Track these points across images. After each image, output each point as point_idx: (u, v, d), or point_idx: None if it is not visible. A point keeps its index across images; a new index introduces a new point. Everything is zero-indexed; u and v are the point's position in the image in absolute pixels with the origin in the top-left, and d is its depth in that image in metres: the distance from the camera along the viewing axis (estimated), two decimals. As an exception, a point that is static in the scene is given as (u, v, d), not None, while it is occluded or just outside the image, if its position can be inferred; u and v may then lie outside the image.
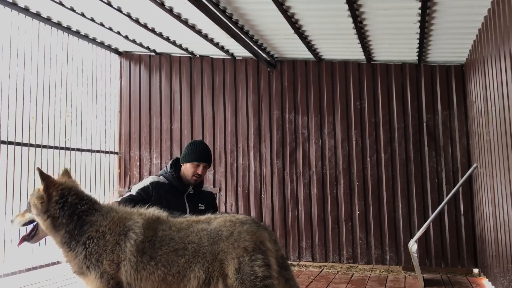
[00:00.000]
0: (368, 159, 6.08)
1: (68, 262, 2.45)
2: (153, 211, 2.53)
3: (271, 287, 2.30)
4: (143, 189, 3.32)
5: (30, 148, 5.62)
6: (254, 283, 2.27)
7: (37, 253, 5.67)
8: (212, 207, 3.60)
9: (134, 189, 3.32)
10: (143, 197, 3.30)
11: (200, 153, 3.44)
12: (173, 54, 6.91)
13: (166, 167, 3.53)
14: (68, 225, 2.40)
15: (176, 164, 3.50)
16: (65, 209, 2.41)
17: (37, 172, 2.46)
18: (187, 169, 3.44)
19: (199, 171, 3.43)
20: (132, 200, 3.13)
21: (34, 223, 2.53)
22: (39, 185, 2.46)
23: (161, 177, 3.44)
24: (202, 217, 2.50)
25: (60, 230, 2.40)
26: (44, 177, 2.46)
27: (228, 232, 2.37)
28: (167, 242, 2.38)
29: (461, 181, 5.42)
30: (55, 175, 2.57)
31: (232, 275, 2.29)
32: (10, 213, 5.47)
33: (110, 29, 5.93)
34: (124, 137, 7.07)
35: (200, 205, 3.57)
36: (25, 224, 2.54)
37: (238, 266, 2.30)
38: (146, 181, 3.40)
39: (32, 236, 2.55)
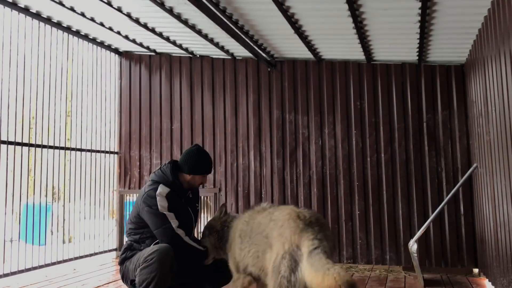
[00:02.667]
0: (368, 159, 6.08)
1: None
2: (263, 205, 3.14)
3: (282, 287, 2.47)
4: (171, 206, 3.32)
5: (30, 148, 5.63)
6: (277, 275, 2.51)
7: (37, 253, 5.67)
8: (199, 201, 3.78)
9: (164, 210, 3.28)
10: (177, 212, 3.36)
11: (209, 164, 3.56)
12: (173, 54, 6.91)
13: (165, 175, 3.44)
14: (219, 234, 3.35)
15: (175, 170, 3.48)
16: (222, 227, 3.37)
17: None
18: (195, 179, 3.50)
19: (206, 180, 3.61)
20: (184, 222, 3.36)
21: None
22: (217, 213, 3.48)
23: (164, 186, 3.38)
24: (281, 206, 2.94)
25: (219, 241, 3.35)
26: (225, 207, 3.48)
27: (281, 223, 2.65)
28: (258, 226, 2.90)
29: (461, 181, 5.41)
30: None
31: (272, 261, 2.58)
32: (10, 213, 5.47)
33: (110, 29, 5.93)
34: (124, 137, 7.08)
35: (196, 205, 3.68)
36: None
37: (276, 255, 2.56)
38: (162, 193, 3.33)
39: None
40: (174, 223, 3.26)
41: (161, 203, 3.27)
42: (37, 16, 5.59)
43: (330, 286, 2.17)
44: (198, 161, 3.47)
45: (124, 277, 3.44)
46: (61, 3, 5.10)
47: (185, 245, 3.26)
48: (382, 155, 6.04)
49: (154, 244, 3.30)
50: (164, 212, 3.26)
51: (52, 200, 7.84)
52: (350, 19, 4.61)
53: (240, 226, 3.09)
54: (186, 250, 3.26)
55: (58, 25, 5.96)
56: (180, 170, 3.48)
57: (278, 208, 2.92)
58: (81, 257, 6.34)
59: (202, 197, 6.71)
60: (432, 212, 5.55)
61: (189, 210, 3.52)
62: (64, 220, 6.70)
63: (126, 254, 3.42)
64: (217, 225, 3.36)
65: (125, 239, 3.64)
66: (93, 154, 6.76)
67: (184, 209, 3.47)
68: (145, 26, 5.55)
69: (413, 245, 5.13)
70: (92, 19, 5.60)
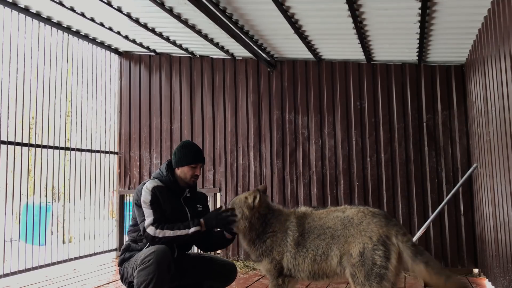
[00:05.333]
0: (368, 159, 6.08)
1: (249, 252, 3.22)
2: (302, 208, 3.19)
3: (383, 276, 2.71)
4: (154, 200, 3.24)
5: (30, 148, 5.63)
6: (371, 268, 2.73)
7: (37, 253, 5.67)
8: (207, 207, 3.64)
9: (144, 205, 3.21)
10: (161, 207, 3.28)
11: (196, 154, 3.44)
12: (173, 54, 6.92)
13: (161, 171, 3.42)
14: (257, 230, 3.13)
15: (170, 167, 3.44)
16: (260, 217, 3.15)
17: (257, 194, 3.14)
18: (184, 172, 3.41)
19: (197, 171, 3.45)
20: (163, 217, 3.22)
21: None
22: (250, 200, 3.15)
23: (157, 180, 3.35)
24: (339, 207, 3.06)
25: (252, 231, 3.14)
26: (260, 198, 3.16)
27: (358, 221, 2.87)
28: (312, 231, 3.01)
29: (461, 181, 5.41)
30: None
31: (356, 256, 2.79)
32: (10, 213, 5.47)
33: (110, 29, 5.93)
34: (124, 137, 7.08)
35: (198, 206, 3.57)
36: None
37: (362, 250, 2.78)
38: (148, 187, 3.27)
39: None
40: (149, 219, 3.18)
41: (144, 197, 3.23)
42: (37, 16, 5.59)
43: None
44: (182, 152, 3.41)
45: (123, 278, 3.41)
46: (61, 3, 5.10)
47: (159, 240, 3.18)
48: (382, 155, 6.04)
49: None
50: (143, 207, 3.21)
51: (52, 200, 7.84)
52: (350, 19, 4.61)
53: (292, 234, 3.07)
54: (165, 243, 3.19)
55: (58, 25, 5.96)
56: (172, 167, 3.46)
57: (334, 210, 3.07)
58: (81, 257, 6.34)
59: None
60: (432, 212, 5.55)
61: (184, 209, 3.43)
62: (64, 220, 6.70)
63: (124, 255, 3.40)
64: (251, 213, 3.13)
65: (125, 238, 3.59)
66: (93, 154, 6.76)
67: (176, 206, 3.39)
68: (145, 26, 5.55)
69: (413, 245, 5.12)
70: (92, 19, 5.60)
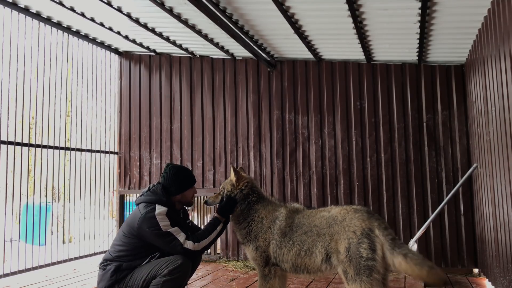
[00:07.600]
0: (368, 159, 6.08)
1: (235, 230, 3.45)
2: (294, 204, 3.38)
3: (372, 268, 2.78)
4: (172, 221, 3.34)
5: (30, 148, 5.63)
6: (358, 261, 2.82)
7: (37, 253, 5.67)
8: (185, 213, 3.82)
9: (168, 228, 3.29)
10: (181, 225, 3.46)
11: (191, 175, 3.65)
12: (173, 54, 6.92)
13: (158, 194, 3.45)
14: (241, 206, 3.40)
15: (167, 192, 3.50)
16: (243, 194, 3.43)
17: (231, 168, 3.51)
18: (186, 194, 3.57)
19: (196, 190, 3.69)
20: (185, 229, 3.43)
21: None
22: (232, 176, 3.48)
23: (160, 206, 3.38)
24: (327, 208, 3.24)
25: (236, 208, 3.43)
26: (236, 172, 3.48)
27: (342, 218, 3.01)
28: (300, 226, 3.16)
29: (461, 181, 5.41)
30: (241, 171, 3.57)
31: (343, 252, 2.89)
32: (10, 213, 5.48)
33: (110, 29, 5.94)
34: (124, 137, 7.08)
35: (187, 221, 3.76)
36: (216, 203, 3.58)
37: (348, 245, 2.88)
38: (161, 212, 3.32)
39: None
40: (181, 237, 3.30)
41: (163, 223, 3.29)
42: (37, 16, 5.59)
43: (432, 280, 2.68)
44: (181, 178, 3.53)
45: None
46: (61, 3, 5.10)
47: (200, 251, 3.38)
48: (382, 155, 6.04)
49: (152, 257, 3.37)
50: (169, 230, 3.29)
51: (52, 200, 7.84)
52: (350, 19, 4.61)
53: (279, 224, 3.24)
54: (204, 250, 3.42)
55: (58, 25, 5.96)
56: (169, 194, 3.50)
57: (322, 210, 3.22)
58: (81, 257, 6.34)
59: (201, 197, 6.71)
60: (432, 212, 5.55)
61: (185, 222, 3.63)
62: (64, 220, 6.70)
63: (116, 276, 3.35)
64: (235, 190, 3.45)
65: (101, 265, 3.51)
66: (93, 154, 6.76)
67: (180, 221, 3.52)
68: (145, 26, 5.55)
69: (413, 245, 5.13)
70: (92, 19, 5.60)
